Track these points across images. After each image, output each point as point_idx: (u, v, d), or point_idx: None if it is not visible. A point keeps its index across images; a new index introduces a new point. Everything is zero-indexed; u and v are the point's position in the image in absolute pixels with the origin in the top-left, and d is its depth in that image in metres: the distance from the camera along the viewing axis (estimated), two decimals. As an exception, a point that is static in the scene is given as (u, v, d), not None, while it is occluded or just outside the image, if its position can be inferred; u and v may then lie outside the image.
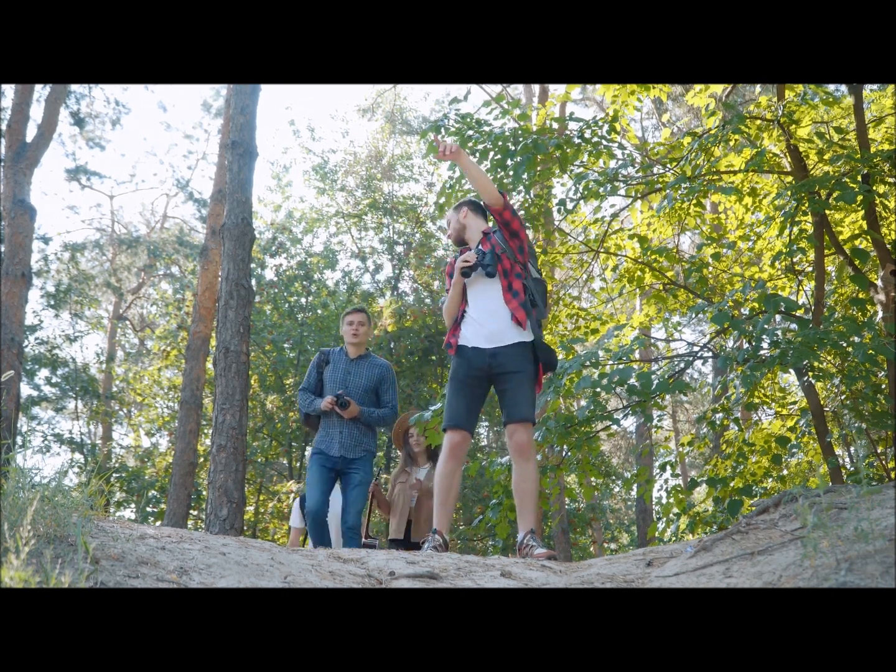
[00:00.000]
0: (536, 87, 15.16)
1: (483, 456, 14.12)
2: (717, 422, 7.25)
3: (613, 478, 17.34)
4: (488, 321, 4.02)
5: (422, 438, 5.97)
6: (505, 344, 3.97)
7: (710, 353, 7.91)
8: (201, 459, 13.42)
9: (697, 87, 6.83)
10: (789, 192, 5.73)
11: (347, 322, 5.45)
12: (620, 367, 5.76)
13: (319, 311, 15.38)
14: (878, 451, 7.28)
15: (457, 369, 4.05)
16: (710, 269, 7.56)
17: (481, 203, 4.35)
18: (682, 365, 7.55)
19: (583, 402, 8.06)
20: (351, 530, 5.17)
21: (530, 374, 3.98)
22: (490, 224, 4.33)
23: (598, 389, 5.43)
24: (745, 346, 5.84)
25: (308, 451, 13.60)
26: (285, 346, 14.52)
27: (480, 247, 4.14)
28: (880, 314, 5.91)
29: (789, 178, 6.56)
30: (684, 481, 15.97)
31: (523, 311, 3.99)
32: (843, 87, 7.03)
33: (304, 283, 15.64)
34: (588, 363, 5.62)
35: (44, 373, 17.39)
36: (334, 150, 18.17)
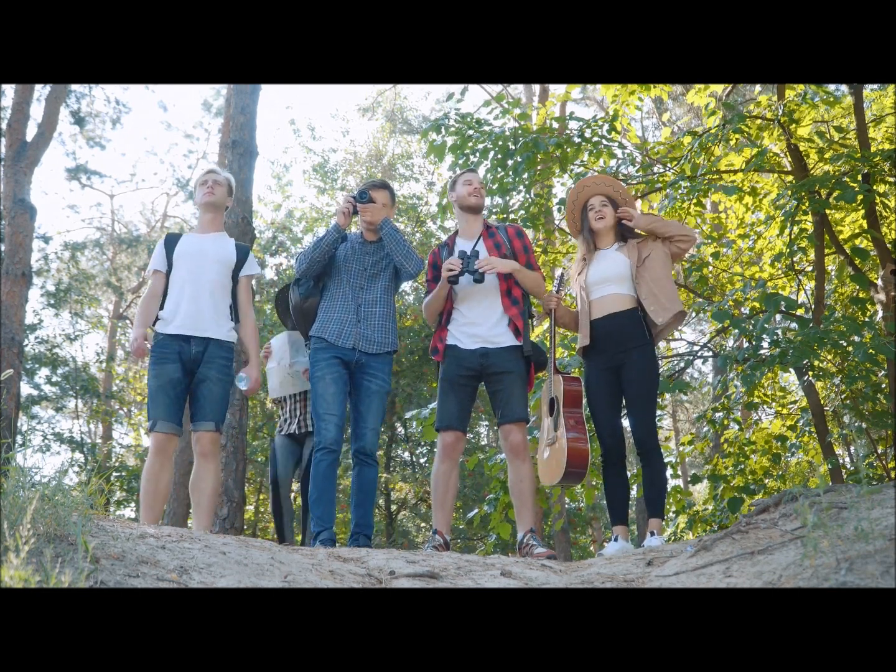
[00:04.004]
0: (536, 87, 15.14)
1: (483, 456, 14.08)
2: (718, 421, 7.25)
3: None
4: (481, 321, 3.95)
5: None
6: (497, 346, 3.91)
7: (711, 353, 7.92)
8: (201, 458, 13.37)
9: (698, 86, 6.83)
10: (790, 192, 5.73)
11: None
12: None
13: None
14: (878, 450, 7.29)
15: (447, 369, 3.98)
16: (711, 268, 7.55)
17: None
18: (682, 364, 7.55)
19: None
20: (366, 457, 3.91)
21: (522, 373, 3.94)
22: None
23: None
24: (746, 345, 5.84)
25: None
26: (285, 345, 14.49)
27: (464, 248, 3.99)
28: (880, 313, 5.91)
29: (790, 178, 6.56)
30: (684, 481, 15.96)
31: (522, 320, 3.95)
32: (844, 87, 7.03)
33: (305, 282, 15.55)
34: None
35: (44, 372, 17.35)
36: (335, 149, 18.18)
